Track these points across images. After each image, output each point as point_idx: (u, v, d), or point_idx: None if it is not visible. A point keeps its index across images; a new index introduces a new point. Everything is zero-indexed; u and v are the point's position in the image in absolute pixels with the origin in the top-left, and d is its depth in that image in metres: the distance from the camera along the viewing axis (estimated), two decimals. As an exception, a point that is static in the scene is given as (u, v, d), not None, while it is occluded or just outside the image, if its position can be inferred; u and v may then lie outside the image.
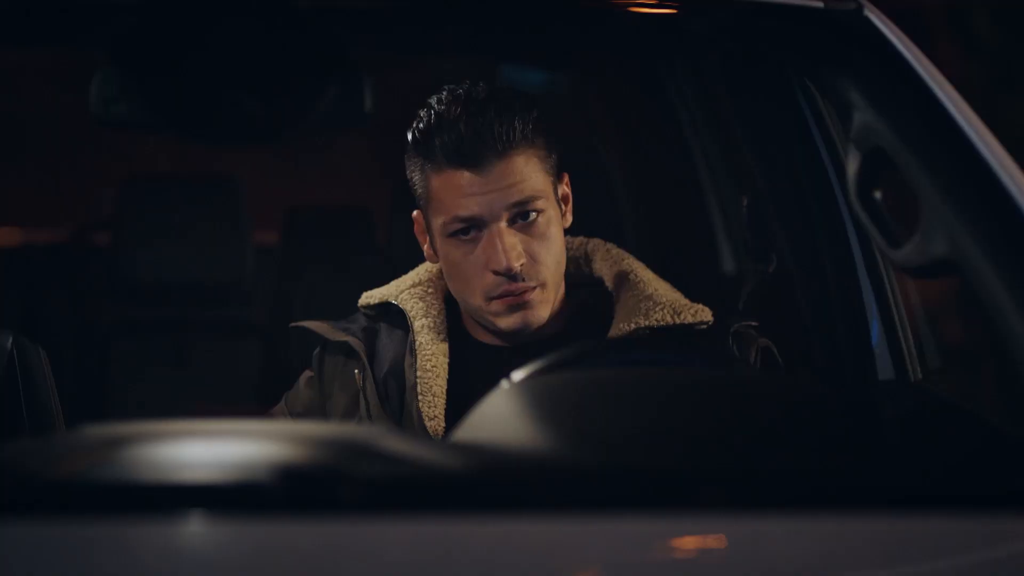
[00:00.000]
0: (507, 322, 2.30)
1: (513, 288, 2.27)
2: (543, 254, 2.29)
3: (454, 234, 2.29)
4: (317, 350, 2.46)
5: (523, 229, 2.28)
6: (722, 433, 1.64)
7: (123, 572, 1.39)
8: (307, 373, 2.47)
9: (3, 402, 2.21)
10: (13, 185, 5.06)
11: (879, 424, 1.87)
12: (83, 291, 4.00)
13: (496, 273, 2.27)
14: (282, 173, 5.04)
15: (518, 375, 1.72)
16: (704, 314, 2.34)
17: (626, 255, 2.45)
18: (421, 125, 2.29)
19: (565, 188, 2.36)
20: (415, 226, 2.38)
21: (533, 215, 2.28)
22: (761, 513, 1.53)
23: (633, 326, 2.33)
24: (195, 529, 1.43)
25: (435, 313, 2.39)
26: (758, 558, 1.48)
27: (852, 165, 1.89)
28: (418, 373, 2.33)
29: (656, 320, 2.32)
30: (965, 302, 5.73)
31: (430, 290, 2.42)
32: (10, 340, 2.24)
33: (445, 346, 2.37)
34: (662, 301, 2.35)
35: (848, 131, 1.93)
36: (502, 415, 1.65)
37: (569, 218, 2.36)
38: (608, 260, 2.44)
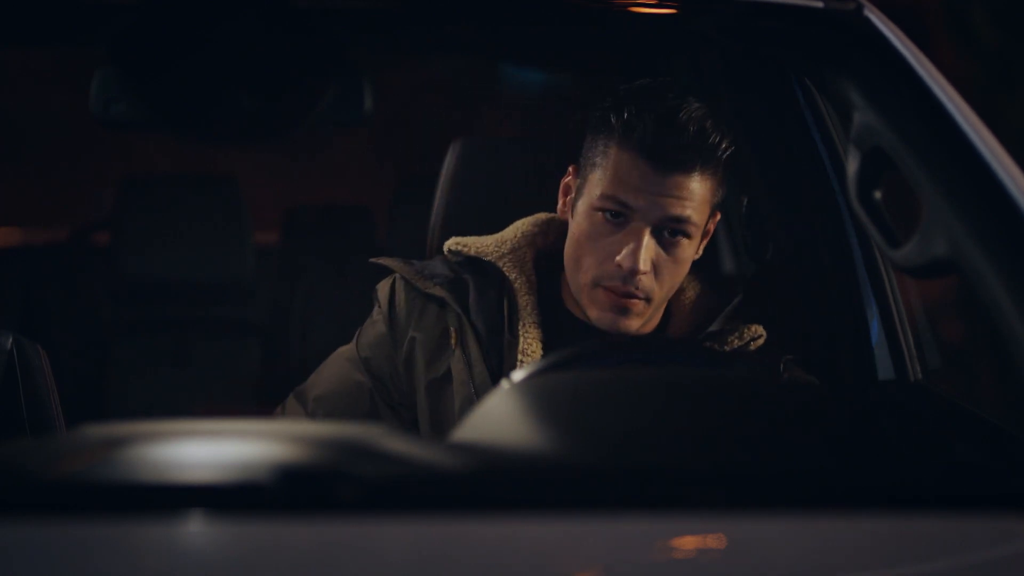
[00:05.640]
0: (599, 316, 2.29)
1: (621, 288, 2.26)
2: (666, 275, 2.28)
3: (604, 209, 2.27)
4: (390, 285, 2.40)
5: (662, 243, 2.27)
6: (722, 433, 1.64)
7: (123, 572, 1.39)
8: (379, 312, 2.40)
9: (3, 402, 2.21)
10: (13, 185, 5.06)
11: (879, 424, 1.87)
12: (83, 291, 4.00)
13: (618, 266, 2.26)
14: (282, 173, 5.04)
15: (518, 375, 1.72)
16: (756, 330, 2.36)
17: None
18: (634, 109, 2.27)
19: (712, 225, 2.33)
20: (565, 177, 2.36)
21: (679, 236, 2.27)
22: (761, 513, 1.53)
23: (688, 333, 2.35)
24: (195, 529, 1.43)
25: (536, 290, 2.35)
26: (758, 558, 1.48)
27: (852, 165, 1.89)
28: (520, 358, 2.30)
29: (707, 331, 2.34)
30: (965, 302, 5.73)
31: (526, 259, 2.38)
32: (10, 340, 2.24)
33: (540, 331, 2.33)
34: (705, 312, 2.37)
35: (848, 131, 1.92)
36: (502, 415, 1.65)
37: (700, 252, 2.34)
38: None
